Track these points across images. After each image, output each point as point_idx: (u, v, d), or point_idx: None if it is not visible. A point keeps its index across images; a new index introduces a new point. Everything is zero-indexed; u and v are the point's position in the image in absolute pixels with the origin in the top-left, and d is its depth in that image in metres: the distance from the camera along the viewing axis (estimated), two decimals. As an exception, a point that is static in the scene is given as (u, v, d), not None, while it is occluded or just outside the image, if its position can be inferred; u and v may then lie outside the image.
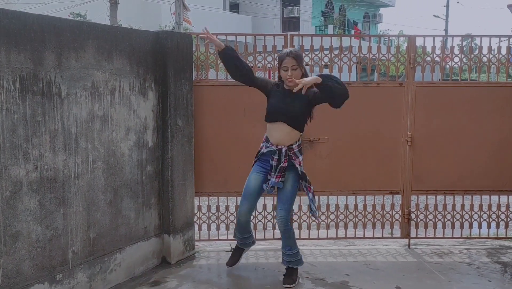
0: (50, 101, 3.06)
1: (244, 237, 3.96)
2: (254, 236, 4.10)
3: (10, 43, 2.80)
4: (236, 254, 4.04)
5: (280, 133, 3.59)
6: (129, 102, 3.71)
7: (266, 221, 4.68)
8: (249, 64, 3.92)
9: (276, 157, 3.58)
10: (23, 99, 2.89)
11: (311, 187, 3.74)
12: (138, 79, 3.79)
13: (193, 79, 4.35)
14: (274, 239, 4.60)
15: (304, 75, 3.58)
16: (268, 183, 3.62)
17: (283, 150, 3.57)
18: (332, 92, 3.37)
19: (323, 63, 4.54)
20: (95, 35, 3.36)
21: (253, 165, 3.82)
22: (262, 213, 4.65)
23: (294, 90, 3.42)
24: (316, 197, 4.64)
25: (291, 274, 3.74)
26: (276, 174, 3.58)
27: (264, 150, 3.69)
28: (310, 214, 3.95)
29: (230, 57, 3.67)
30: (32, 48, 2.93)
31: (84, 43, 3.28)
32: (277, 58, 3.64)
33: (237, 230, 3.94)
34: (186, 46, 4.19)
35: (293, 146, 3.61)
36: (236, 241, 4.06)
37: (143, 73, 3.84)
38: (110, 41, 3.49)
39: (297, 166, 3.62)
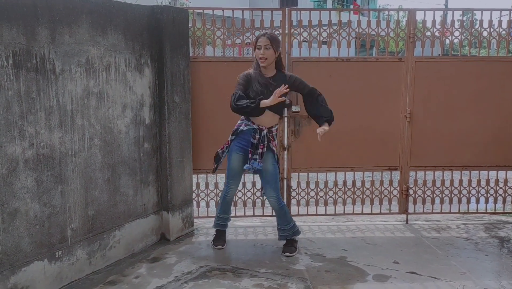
0: (45, 78, 3.01)
1: (226, 217, 4.06)
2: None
3: (2, 18, 2.73)
4: (221, 235, 4.09)
5: (264, 117, 3.65)
6: (125, 79, 3.66)
7: (264, 197, 4.67)
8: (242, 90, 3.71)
9: (257, 136, 3.69)
10: (17, 76, 2.84)
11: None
12: (134, 55, 3.73)
13: (190, 55, 4.29)
14: (272, 216, 4.61)
15: (278, 59, 3.70)
16: (251, 164, 3.66)
17: (264, 132, 3.69)
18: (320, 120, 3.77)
19: (321, 38, 4.48)
20: (89, 10, 3.29)
21: (228, 143, 3.83)
22: (261, 190, 4.64)
23: (318, 133, 3.64)
24: (314, 174, 4.67)
25: (291, 244, 3.87)
26: (256, 157, 3.67)
27: (243, 128, 3.73)
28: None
29: (257, 112, 3.60)
30: (25, 23, 2.86)
31: (78, 18, 3.21)
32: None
33: (222, 210, 4.02)
34: (182, 21, 4.11)
35: (273, 129, 3.79)
36: (214, 225, 4.11)
37: (138, 49, 3.78)
38: (104, 16, 3.42)
39: (273, 148, 3.77)
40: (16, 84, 2.84)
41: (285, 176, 4.60)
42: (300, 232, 3.97)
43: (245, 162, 3.74)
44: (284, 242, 3.91)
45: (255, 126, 3.69)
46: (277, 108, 3.67)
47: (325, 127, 3.68)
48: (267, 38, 3.58)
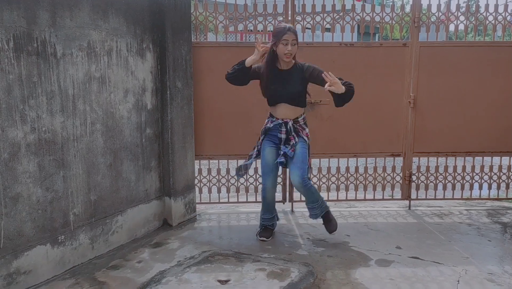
0: (46, 62, 2.98)
1: (271, 217, 3.90)
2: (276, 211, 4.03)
3: (3, 1, 2.70)
4: (268, 229, 3.93)
5: (285, 111, 3.65)
6: (126, 64, 3.63)
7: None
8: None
9: (283, 129, 3.64)
10: (18, 59, 2.81)
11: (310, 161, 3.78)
12: (136, 39, 3.70)
13: (192, 41, 4.25)
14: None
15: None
16: (282, 150, 3.62)
17: (290, 124, 3.63)
18: (341, 99, 3.53)
19: (325, 23, 4.42)
20: (89, -7, 3.25)
21: (259, 142, 3.79)
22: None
23: (325, 88, 3.39)
24: (317, 160, 4.66)
25: (329, 219, 3.83)
26: (288, 146, 3.63)
27: (270, 125, 3.70)
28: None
29: (246, 73, 3.61)
30: (25, 6, 2.83)
31: (79, 1, 3.18)
32: (275, 32, 3.58)
33: (264, 210, 3.87)
34: (184, 6, 4.07)
35: (299, 119, 3.69)
36: (260, 225, 3.96)
37: (140, 34, 3.74)
38: (105, -1, 3.38)
39: (305, 137, 3.69)
40: (17, 68, 2.82)
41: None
42: (327, 206, 3.84)
43: (277, 156, 3.67)
44: (313, 220, 3.87)
45: (280, 121, 3.66)
46: (295, 102, 3.63)
47: (341, 88, 3.40)
48: (294, 34, 3.51)
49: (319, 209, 3.76)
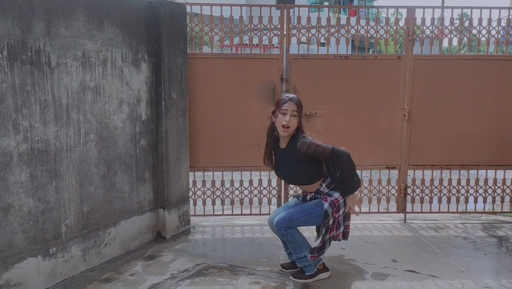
0: (40, 71, 2.96)
1: (287, 252, 3.48)
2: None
3: (-3, 9, 2.69)
4: (290, 262, 3.52)
5: (300, 187, 3.39)
6: (121, 74, 3.61)
7: (262, 196, 4.64)
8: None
9: (300, 199, 3.38)
10: (11, 68, 2.78)
11: (333, 233, 3.26)
12: (131, 50, 3.69)
13: (187, 52, 4.25)
14: (269, 214, 4.57)
15: (300, 124, 3.21)
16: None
17: (308, 196, 3.29)
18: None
19: (320, 35, 4.44)
20: (85, 2, 3.24)
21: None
22: (258, 188, 4.61)
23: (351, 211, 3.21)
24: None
25: (300, 272, 3.34)
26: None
27: (299, 192, 3.52)
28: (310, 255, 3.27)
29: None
30: (20, 15, 2.81)
31: (74, 11, 3.17)
32: (276, 101, 3.24)
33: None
34: (180, 17, 4.07)
35: (321, 189, 3.25)
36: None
37: (135, 44, 3.73)
38: (101, 9, 3.38)
39: (324, 202, 3.19)
40: (11, 76, 2.79)
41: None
42: (313, 270, 3.30)
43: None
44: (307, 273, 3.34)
45: (300, 192, 3.44)
46: (302, 181, 3.27)
47: (353, 198, 3.17)
48: (295, 104, 3.13)
49: (300, 262, 3.30)
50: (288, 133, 3.15)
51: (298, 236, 3.24)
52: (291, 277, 3.33)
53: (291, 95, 3.21)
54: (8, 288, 2.85)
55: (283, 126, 3.12)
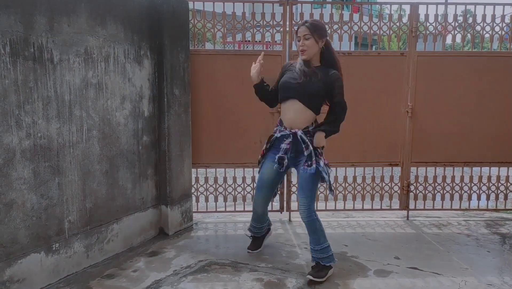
0: (42, 67, 2.96)
1: (260, 226, 3.74)
2: (269, 220, 3.87)
3: (0, 5, 2.69)
4: (257, 241, 3.81)
5: (293, 113, 3.23)
6: (124, 70, 3.61)
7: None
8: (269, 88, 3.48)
9: (288, 140, 3.24)
10: (14, 64, 2.78)
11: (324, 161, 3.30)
12: (133, 46, 3.69)
13: (190, 48, 4.24)
14: (271, 210, 4.57)
15: (326, 53, 3.24)
16: (283, 164, 3.27)
17: (298, 134, 3.19)
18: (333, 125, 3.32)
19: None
20: (88, -1, 3.24)
21: (264, 151, 3.43)
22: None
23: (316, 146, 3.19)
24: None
25: (319, 269, 3.26)
26: (307, 161, 3.20)
27: (277, 134, 3.31)
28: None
29: (262, 90, 3.42)
30: (23, 11, 2.81)
31: (77, 7, 3.16)
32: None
33: (253, 220, 3.71)
34: (183, 13, 4.07)
35: (309, 128, 3.24)
36: (248, 229, 3.83)
37: (138, 40, 3.73)
38: (103, 5, 3.37)
39: (323, 165, 3.24)
40: (13, 73, 2.79)
41: (285, 171, 4.56)
42: (335, 260, 3.31)
43: (277, 174, 3.38)
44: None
45: (287, 132, 3.24)
46: (307, 100, 3.20)
47: (320, 134, 3.21)
48: (306, 28, 3.13)
49: (322, 253, 3.26)
50: (307, 55, 3.19)
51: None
52: (308, 276, 3.21)
53: (304, 20, 3.33)
54: (12, 284, 2.86)
55: (300, 52, 3.20)
